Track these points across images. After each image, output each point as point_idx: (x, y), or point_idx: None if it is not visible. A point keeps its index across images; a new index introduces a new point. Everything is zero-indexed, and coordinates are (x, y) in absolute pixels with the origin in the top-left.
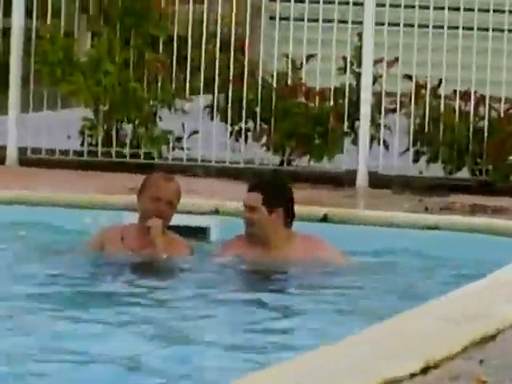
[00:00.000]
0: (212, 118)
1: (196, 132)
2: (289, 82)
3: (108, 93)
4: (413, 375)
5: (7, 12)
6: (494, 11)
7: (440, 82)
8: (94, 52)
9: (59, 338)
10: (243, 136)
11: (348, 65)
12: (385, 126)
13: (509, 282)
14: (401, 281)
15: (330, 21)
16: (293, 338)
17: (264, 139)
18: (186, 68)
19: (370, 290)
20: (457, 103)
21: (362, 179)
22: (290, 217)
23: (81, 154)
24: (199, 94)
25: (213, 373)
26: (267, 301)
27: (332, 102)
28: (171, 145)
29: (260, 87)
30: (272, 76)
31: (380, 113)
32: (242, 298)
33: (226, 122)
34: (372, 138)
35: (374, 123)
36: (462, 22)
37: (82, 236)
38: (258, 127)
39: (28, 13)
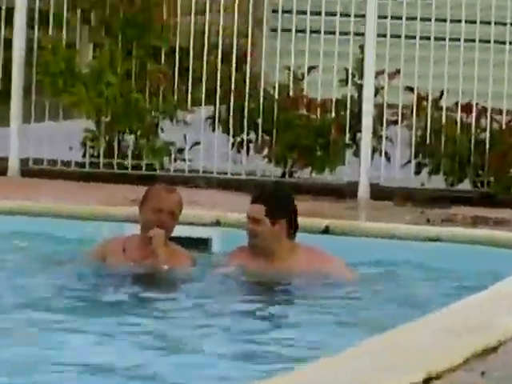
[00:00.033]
0: (214, 130)
1: (198, 143)
2: (290, 93)
3: (110, 104)
4: None
5: (9, 22)
6: (495, 23)
7: (442, 93)
8: (95, 63)
9: (60, 348)
10: (245, 147)
11: (350, 76)
12: (386, 137)
13: (510, 293)
14: (402, 292)
15: (331, 33)
16: (293, 349)
17: (266, 151)
18: (188, 79)
19: (372, 302)
20: (458, 115)
21: (363, 191)
22: (293, 228)
23: (82, 165)
24: (201, 105)
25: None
26: (269, 312)
27: (334, 114)
28: (173, 156)
29: (262, 99)
30: (274, 87)
31: (382, 124)
32: (244, 309)
33: (228, 134)
34: (374, 150)
35: (376, 135)
36: (463, 34)
37: (83, 247)
38: (259, 139)
39: (30, 23)
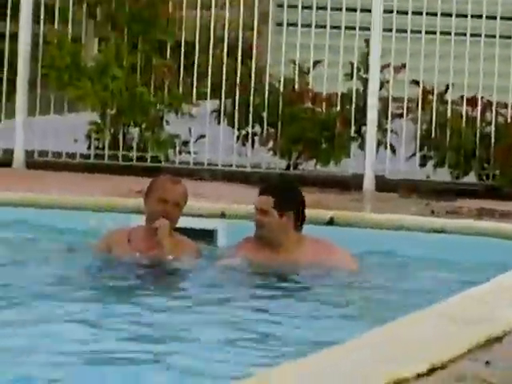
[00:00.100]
0: (219, 123)
1: (203, 136)
2: (296, 87)
3: (115, 97)
4: (419, 375)
5: (15, 16)
6: (501, 18)
7: (447, 87)
8: (101, 57)
9: (63, 338)
10: (250, 140)
11: (355, 70)
12: (391, 131)
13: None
14: (406, 284)
15: (337, 27)
16: (296, 340)
17: (271, 143)
18: (193, 73)
19: (376, 293)
20: (464, 109)
21: (368, 183)
22: (300, 220)
23: (87, 156)
24: (206, 99)
25: (216, 374)
26: (273, 303)
27: (339, 108)
28: (178, 149)
29: (267, 92)
30: (279, 81)
31: (387, 118)
32: (249, 300)
33: (233, 127)
34: (379, 143)
35: (381, 128)
36: (469, 28)
37: (88, 238)
38: (264, 132)
39: (36, 18)
